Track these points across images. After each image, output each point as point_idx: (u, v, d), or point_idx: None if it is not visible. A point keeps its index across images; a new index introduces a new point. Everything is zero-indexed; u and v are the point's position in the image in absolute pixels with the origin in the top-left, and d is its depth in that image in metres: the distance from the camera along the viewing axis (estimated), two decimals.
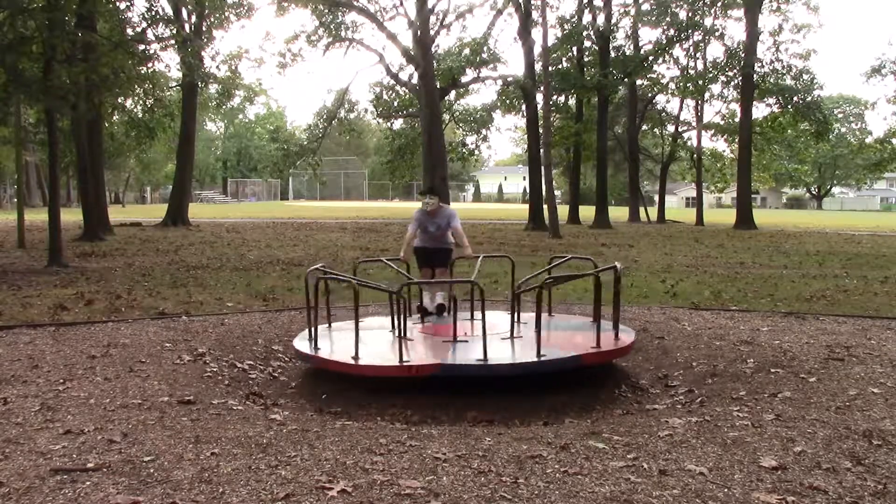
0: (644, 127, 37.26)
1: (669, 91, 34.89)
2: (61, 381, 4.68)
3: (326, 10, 32.03)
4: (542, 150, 24.59)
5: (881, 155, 30.93)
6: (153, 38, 17.81)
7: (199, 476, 3.07)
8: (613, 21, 30.55)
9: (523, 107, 29.99)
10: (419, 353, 5.50)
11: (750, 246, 18.56)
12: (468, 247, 7.00)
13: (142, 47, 15.67)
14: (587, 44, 30.92)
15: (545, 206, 23.25)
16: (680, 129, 37.90)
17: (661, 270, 12.39)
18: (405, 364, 5.00)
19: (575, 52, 31.09)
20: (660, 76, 34.25)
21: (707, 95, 33.60)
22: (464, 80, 34.46)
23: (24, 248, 15.46)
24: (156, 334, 6.34)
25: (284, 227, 24.63)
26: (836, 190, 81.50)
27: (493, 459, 3.33)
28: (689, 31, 31.22)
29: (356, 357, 5.13)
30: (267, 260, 13.53)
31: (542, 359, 5.04)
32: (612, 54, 30.70)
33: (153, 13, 17.45)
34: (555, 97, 31.38)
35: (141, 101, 20.55)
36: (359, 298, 5.47)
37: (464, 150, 39.50)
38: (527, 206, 28.91)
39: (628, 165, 36.09)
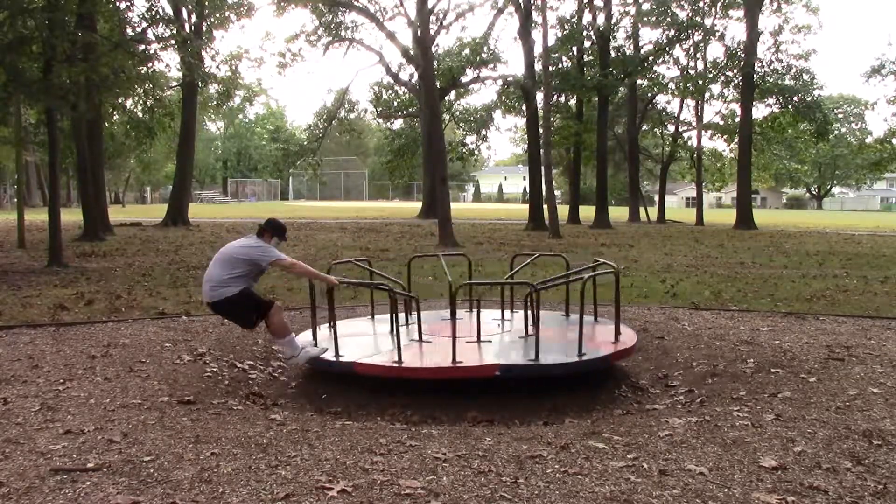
0: (644, 127, 37.22)
1: (669, 91, 34.85)
2: (61, 381, 4.68)
3: (326, 10, 32.09)
4: (542, 150, 24.57)
5: (881, 155, 30.88)
6: (153, 38, 17.80)
7: (199, 476, 3.07)
8: (613, 21, 30.54)
9: (523, 107, 29.98)
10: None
11: (750, 246, 18.55)
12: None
13: (142, 47, 15.66)
14: (587, 44, 30.92)
15: (545, 206, 23.24)
16: (680, 129, 37.89)
17: (661, 270, 12.39)
18: None
19: (575, 52, 31.08)
20: (660, 76, 34.22)
21: (707, 95, 33.58)
22: (464, 79, 34.59)
23: (24, 248, 15.45)
24: (156, 334, 6.34)
25: None
26: (836, 190, 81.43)
27: (493, 459, 3.33)
28: (689, 31, 31.21)
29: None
30: None
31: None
32: (612, 54, 30.68)
33: (153, 13, 17.42)
34: (555, 97, 31.35)
35: (141, 101, 20.52)
36: (456, 300, 5.46)
37: (464, 150, 39.56)
38: (527, 206, 28.89)
39: (628, 165, 36.04)
